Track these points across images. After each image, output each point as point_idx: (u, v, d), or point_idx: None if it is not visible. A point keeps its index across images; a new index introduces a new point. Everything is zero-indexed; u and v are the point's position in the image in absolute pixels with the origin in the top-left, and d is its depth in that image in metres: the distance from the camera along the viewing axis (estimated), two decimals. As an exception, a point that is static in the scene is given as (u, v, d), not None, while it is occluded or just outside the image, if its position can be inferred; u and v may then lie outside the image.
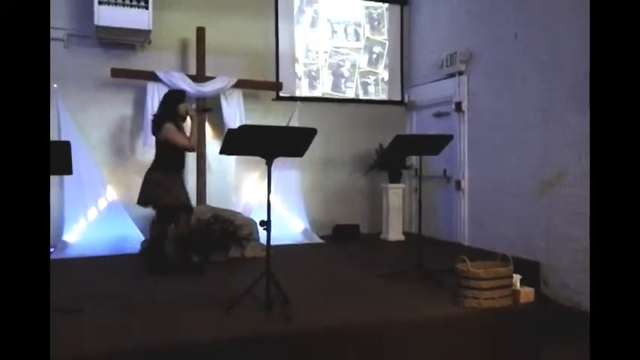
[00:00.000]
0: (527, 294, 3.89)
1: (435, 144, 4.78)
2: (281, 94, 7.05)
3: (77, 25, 6.16)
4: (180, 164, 4.90)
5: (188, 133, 4.85)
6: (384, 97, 7.70)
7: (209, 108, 4.71)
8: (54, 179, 5.51)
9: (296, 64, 7.27)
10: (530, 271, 4.96)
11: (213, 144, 6.49)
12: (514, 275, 3.90)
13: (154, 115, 4.89)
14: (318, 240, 6.65)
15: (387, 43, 7.73)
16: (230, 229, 5.49)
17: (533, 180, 5.47)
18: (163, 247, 4.88)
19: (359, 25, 7.60)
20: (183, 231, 4.92)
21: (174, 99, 4.85)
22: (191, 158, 6.50)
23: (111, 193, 6.22)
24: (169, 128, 4.67)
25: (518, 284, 3.90)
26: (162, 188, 4.69)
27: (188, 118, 4.88)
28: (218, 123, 6.56)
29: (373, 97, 7.64)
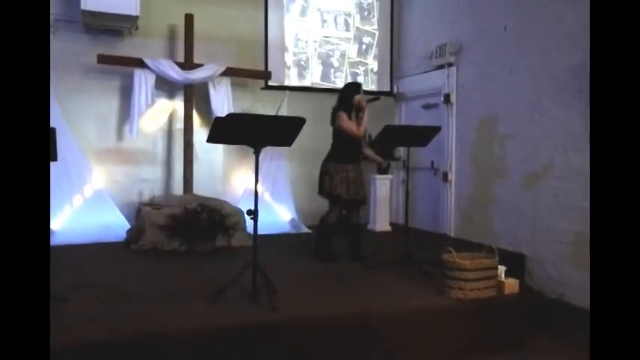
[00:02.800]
0: (511, 285, 3.92)
1: (424, 135, 4.79)
2: (270, 83, 7.01)
3: (63, 10, 6.05)
4: (350, 155, 4.87)
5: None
6: (373, 87, 7.68)
7: (377, 97, 4.87)
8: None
9: (285, 53, 7.22)
10: (516, 263, 5.01)
11: (200, 132, 6.45)
12: (499, 267, 3.93)
13: (332, 108, 4.93)
14: (305, 230, 6.65)
15: (376, 33, 7.71)
16: (217, 218, 5.47)
17: (520, 172, 5.51)
18: (327, 235, 4.95)
19: (349, 15, 7.56)
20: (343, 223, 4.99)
21: (350, 91, 4.93)
22: (178, 146, 6.49)
23: (97, 181, 6.16)
24: (341, 116, 4.78)
25: (503, 275, 3.93)
26: (327, 177, 4.81)
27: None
28: (206, 111, 6.52)
29: (362, 88, 7.59)
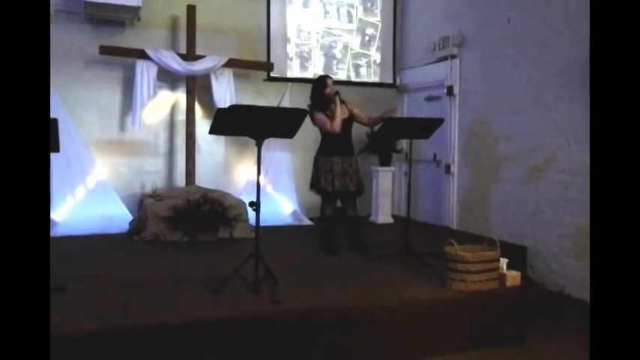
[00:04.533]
0: (513, 277, 3.92)
1: (426, 127, 4.77)
2: (272, 75, 6.99)
3: (65, 1, 6.03)
4: (335, 148, 4.81)
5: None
6: (375, 79, 7.66)
7: (337, 92, 4.79)
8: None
9: (288, 45, 7.20)
10: (517, 256, 5.00)
11: (202, 124, 6.45)
12: (501, 259, 3.92)
13: (308, 105, 4.87)
14: (307, 222, 6.66)
15: (379, 24, 7.67)
16: (219, 210, 5.48)
17: (522, 165, 5.50)
18: (327, 228, 4.97)
19: (352, 6, 7.52)
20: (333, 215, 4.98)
21: (318, 85, 4.86)
22: (180, 138, 6.49)
23: (99, 172, 6.16)
24: (314, 116, 4.75)
25: (504, 268, 3.93)
26: (314, 170, 4.88)
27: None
28: (208, 103, 6.51)
29: (365, 80, 7.59)
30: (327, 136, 4.82)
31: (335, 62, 7.45)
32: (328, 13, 7.42)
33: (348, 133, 4.88)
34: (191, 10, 6.26)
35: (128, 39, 6.26)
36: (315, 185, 4.88)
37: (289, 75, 7.16)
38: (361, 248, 4.90)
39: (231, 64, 6.44)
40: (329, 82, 4.85)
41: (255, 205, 3.60)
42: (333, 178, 4.77)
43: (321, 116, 4.75)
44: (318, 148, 4.94)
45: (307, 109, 4.79)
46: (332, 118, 4.72)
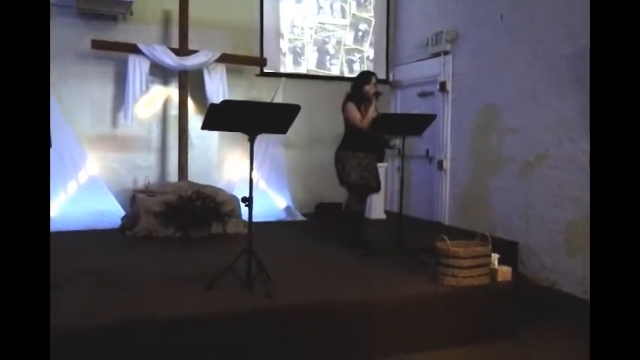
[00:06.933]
0: (504, 273, 3.95)
1: (419, 123, 4.78)
2: (265, 70, 6.98)
3: (57, -5, 6.00)
4: (360, 144, 4.81)
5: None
6: (368, 75, 7.65)
7: (381, 92, 4.86)
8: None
9: (281, 40, 7.19)
10: (509, 251, 5.04)
11: (195, 119, 6.43)
12: (492, 254, 3.95)
13: (346, 93, 4.92)
14: (300, 217, 6.67)
15: (373, 20, 7.67)
16: (212, 206, 5.47)
17: (514, 161, 5.53)
18: (357, 224, 4.96)
19: (345, 2, 7.51)
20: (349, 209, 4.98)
21: (360, 80, 4.90)
22: (173, 133, 6.47)
23: (91, 168, 6.14)
24: (348, 106, 4.78)
25: (496, 263, 3.96)
26: (340, 165, 4.84)
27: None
28: (201, 98, 6.49)
29: (375, 77, 7.54)
30: (352, 131, 4.82)
31: (328, 58, 7.44)
32: (321, 8, 7.41)
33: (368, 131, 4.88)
34: (184, 4, 6.22)
35: (120, 34, 6.22)
36: (344, 180, 4.84)
37: (282, 70, 7.15)
38: (366, 244, 4.91)
39: (224, 59, 6.42)
40: (373, 80, 4.88)
41: (248, 201, 3.61)
42: (362, 172, 4.80)
43: (352, 108, 4.78)
44: (342, 143, 4.91)
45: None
46: (364, 115, 4.76)
